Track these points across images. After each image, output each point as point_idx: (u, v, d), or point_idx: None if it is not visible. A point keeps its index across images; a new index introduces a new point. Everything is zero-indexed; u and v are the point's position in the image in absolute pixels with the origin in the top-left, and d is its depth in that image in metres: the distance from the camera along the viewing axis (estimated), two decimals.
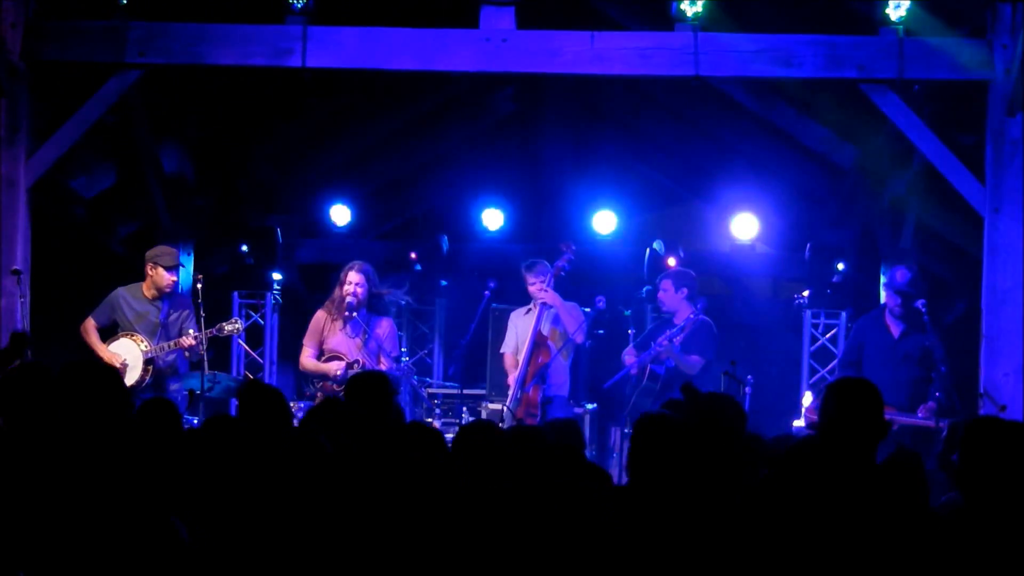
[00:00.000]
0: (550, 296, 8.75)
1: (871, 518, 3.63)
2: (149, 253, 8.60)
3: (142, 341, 8.42)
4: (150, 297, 8.53)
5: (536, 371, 8.57)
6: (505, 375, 8.95)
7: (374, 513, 3.79)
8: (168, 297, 8.54)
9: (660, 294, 8.97)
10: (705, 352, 8.74)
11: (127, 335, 8.45)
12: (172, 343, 8.41)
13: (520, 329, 8.92)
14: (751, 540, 3.74)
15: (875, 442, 3.84)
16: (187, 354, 8.51)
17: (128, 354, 8.38)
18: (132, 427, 4.30)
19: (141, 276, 8.65)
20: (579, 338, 8.82)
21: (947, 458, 4.62)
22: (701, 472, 4.02)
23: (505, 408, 8.58)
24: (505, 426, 8.50)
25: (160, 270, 8.44)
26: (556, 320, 8.81)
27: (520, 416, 8.45)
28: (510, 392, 8.65)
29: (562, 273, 8.87)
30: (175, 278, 8.56)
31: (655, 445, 4.01)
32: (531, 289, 8.85)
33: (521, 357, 8.70)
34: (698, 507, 3.86)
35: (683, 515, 3.81)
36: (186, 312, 8.59)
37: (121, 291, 8.57)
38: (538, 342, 8.64)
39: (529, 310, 8.94)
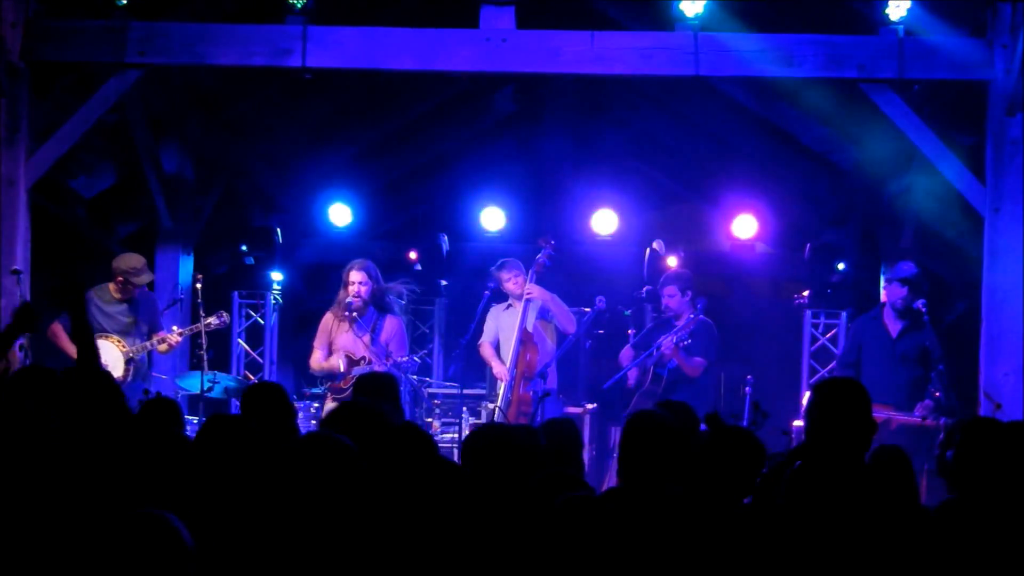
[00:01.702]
0: (536, 291, 8.74)
1: (860, 517, 3.62)
2: (122, 265, 8.44)
3: (119, 342, 8.39)
4: (118, 299, 8.49)
5: (524, 369, 8.56)
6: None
7: (376, 514, 3.79)
8: (132, 300, 8.51)
9: (666, 299, 8.93)
10: (708, 354, 8.74)
11: (102, 336, 8.31)
12: (150, 342, 8.41)
13: (502, 325, 8.92)
14: (742, 543, 3.74)
15: (862, 441, 3.82)
16: (163, 350, 8.52)
17: (107, 355, 8.21)
18: (132, 428, 4.31)
19: None
20: (571, 328, 8.81)
21: (944, 459, 4.60)
22: (698, 478, 4.02)
23: (497, 408, 8.57)
24: None
25: (129, 288, 8.41)
26: (543, 313, 8.80)
27: (513, 415, 8.43)
28: (500, 391, 8.64)
29: (543, 269, 8.86)
30: (144, 288, 8.58)
31: (647, 444, 4.01)
32: (507, 287, 8.85)
33: (508, 357, 8.69)
34: (690, 509, 3.86)
35: (675, 517, 3.81)
36: (152, 316, 8.61)
37: (88, 293, 8.37)
38: (524, 340, 8.63)
39: (509, 306, 8.93)
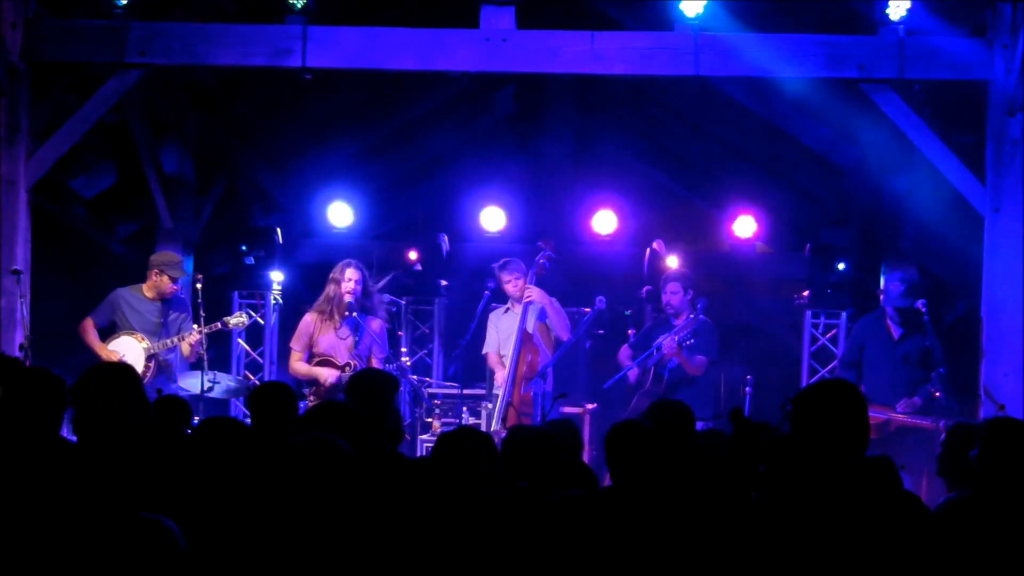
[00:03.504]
0: (536, 294, 8.72)
1: (851, 518, 3.61)
2: (156, 259, 8.67)
3: (142, 339, 8.45)
4: (150, 298, 8.58)
5: (525, 370, 8.55)
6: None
7: (372, 515, 3.79)
8: (166, 302, 8.59)
9: (669, 296, 8.94)
10: (709, 352, 8.75)
11: (127, 333, 8.48)
12: (172, 340, 8.45)
13: (501, 328, 8.89)
14: (732, 542, 3.74)
15: (855, 444, 3.76)
16: (186, 352, 8.54)
17: (128, 351, 8.41)
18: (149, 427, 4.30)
19: (141, 276, 8.69)
20: (565, 335, 8.77)
21: (946, 460, 4.61)
22: (693, 476, 4.03)
23: (497, 409, 8.56)
24: (497, 427, 8.49)
25: (165, 278, 8.51)
26: (542, 315, 8.79)
27: (514, 417, 8.40)
28: (501, 392, 8.63)
29: (543, 271, 8.86)
30: (177, 287, 8.66)
31: (629, 452, 4.05)
32: (507, 288, 8.83)
33: (508, 357, 8.68)
34: (684, 509, 3.87)
35: (668, 517, 3.82)
36: (184, 314, 8.66)
37: (121, 291, 8.61)
38: (524, 341, 8.62)
39: (508, 309, 8.92)
